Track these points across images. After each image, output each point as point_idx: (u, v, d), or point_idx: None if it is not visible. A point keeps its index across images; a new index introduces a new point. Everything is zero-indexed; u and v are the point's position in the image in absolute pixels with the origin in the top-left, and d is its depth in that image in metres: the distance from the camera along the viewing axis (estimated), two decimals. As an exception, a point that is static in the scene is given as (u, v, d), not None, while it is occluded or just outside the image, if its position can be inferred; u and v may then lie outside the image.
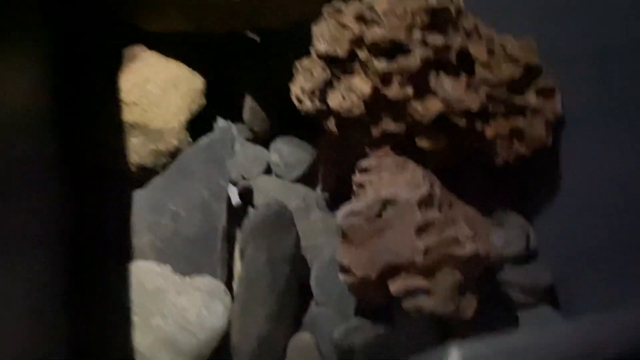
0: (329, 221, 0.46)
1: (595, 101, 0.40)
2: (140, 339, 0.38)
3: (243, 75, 0.57)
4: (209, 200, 0.42)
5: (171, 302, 0.38)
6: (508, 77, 0.41)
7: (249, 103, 0.56)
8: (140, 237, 0.41)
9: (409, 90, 0.40)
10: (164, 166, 0.48)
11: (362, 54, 0.41)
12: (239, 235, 0.44)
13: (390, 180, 0.38)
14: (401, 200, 0.37)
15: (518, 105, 0.42)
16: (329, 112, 0.43)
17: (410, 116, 0.41)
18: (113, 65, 0.51)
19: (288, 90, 0.47)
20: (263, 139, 0.57)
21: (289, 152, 0.55)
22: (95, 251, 0.41)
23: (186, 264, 0.39)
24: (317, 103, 0.43)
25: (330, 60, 0.43)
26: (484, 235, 0.39)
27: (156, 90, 0.50)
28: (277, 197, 0.52)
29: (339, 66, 0.43)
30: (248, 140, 0.57)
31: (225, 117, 0.59)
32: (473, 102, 0.40)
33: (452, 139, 0.42)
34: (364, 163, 0.42)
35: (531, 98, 0.42)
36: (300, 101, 0.44)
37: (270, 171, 0.56)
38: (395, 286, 0.36)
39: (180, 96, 0.51)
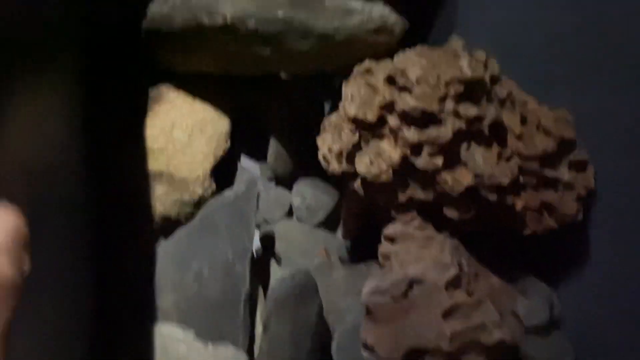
0: (352, 280, 0.46)
1: (626, 173, 0.40)
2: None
3: (269, 114, 0.57)
4: (233, 261, 0.42)
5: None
6: (541, 151, 0.40)
7: (273, 146, 0.56)
8: (165, 297, 0.41)
9: (439, 161, 0.40)
10: (189, 216, 0.48)
11: (393, 120, 0.41)
12: (261, 295, 0.44)
13: (417, 254, 0.38)
14: (428, 281, 0.36)
15: (550, 178, 0.41)
16: (355, 174, 0.43)
17: (439, 186, 0.40)
18: (140, 108, 0.51)
19: (313, 131, 0.47)
20: (287, 180, 0.57)
21: (311, 196, 0.55)
22: (120, 307, 0.41)
23: (209, 328, 0.40)
24: (345, 165, 0.43)
25: (359, 124, 0.42)
26: (509, 316, 0.38)
27: (182, 136, 0.50)
28: (298, 245, 0.52)
29: (368, 129, 0.42)
30: (271, 180, 0.57)
31: (249, 154, 0.59)
32: (504, 176, 0.39)
33: (480, 210, 0.41)
34: (390, 230, 0.41)
35: (564, 172, 0.41)
36: (327, 161, 0.44)
37: (292, 213, 0.56)
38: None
39: (206, 141, 0.51)
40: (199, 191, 0.49)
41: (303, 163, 0.57)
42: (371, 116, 0.41)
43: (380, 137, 0.42)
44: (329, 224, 0.55)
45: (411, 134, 0.40)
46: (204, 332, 0.39)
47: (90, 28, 0.49)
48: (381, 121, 0.42)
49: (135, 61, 0.52)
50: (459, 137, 0.40)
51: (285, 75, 0.56)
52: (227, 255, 0.42)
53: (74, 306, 0.40)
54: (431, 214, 0.42)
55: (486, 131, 0.40)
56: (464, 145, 0.40)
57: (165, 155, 0.49)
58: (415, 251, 0.39)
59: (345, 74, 0.45)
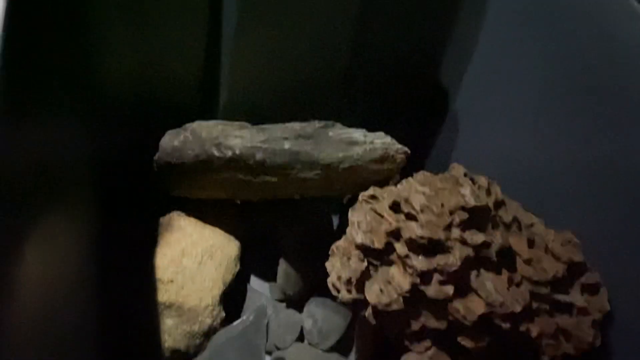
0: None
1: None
2: None
3: (277, 234, 0.58)
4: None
5: None
6: (551, 276, 0.40)
7: (282, 267, 0.56)
8: None
9: (450, 290, 0.39)
10: (198, 347, 0.47)
11: (400, 247, 0.41)
12: None
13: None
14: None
15: (563, 303, 0.40)
16: (366, 302, 0.43)
17: (452, 315, 0.40)
18: (150, 237, 0.52)
19: (324, 248, 0.47)
20: (297, 301, 0.56)
21: (323, 318, 0.54)
22: None
23: None
24: (354, 293, 0.43)
25: (367, 250, 0.42)
26: None
27: (192, 264, 0.50)
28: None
29: (375, 256, 0.42)
30: (281, 301, 0.57)
31: (260, 276, 0.59)
32: (517, 304, 0.39)
33: (495, 338, 0.40)
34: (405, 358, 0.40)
35: (576, 296, 0.40)
36: (337, 289, 0.44)
37: (303, 336, 0.55)
38: None
39: (216, 267, 0.51)
40: (208, 321, 0.48)
41: (313, 282, 0.57)
42: (378, 243, 0.42)
43: (389, 263, 0.42)
44: (341, 347, 0.54)
45: (420, 262, 0.40)
46: None
47: (104, 162, 0.51)
48: (388, 248, 0.42)
49: (146, 190, 0.54)
50: (468, 264, 0.40)
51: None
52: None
53: None
54: (446, 342, 0.41)
55: (494, 257, 0.40)
56: (473, 273, 0.40)
57: (176, 284, 0.49)
58: (432, 385, 0.37)
59: (352, 193, 0.46)
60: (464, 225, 0.40)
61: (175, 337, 0.47)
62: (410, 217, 0.42)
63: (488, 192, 0.42)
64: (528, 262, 0.41)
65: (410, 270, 0.40)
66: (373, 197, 0.45)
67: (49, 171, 0.37)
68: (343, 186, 0.48)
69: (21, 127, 0.32)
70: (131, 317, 0.47)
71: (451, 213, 0.40)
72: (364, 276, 0.43)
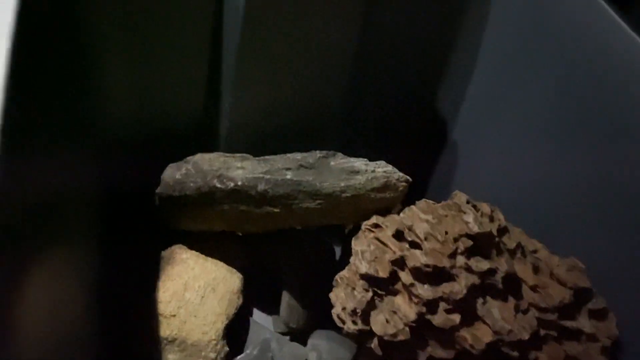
0: None
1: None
2: None
3: (280, 267, 0.57)
4: None
5: None
6: (558, 302, 0.40)
7: (286, 299, 0.55)
8: None
9: (456, 318, 0.39)
10: (201, 383, 0.46)
11: (405, 276, 0.41)
12: None
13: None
14: None
15: (571, 329, 0.40)
16: (372, 333, 0.42)
17: (459, 344, 0.39)
18: (152, 271, 0.51)
19: (328, 279, 0.46)
20: (300, 333, 0.56)
21: (327, 350, 0.53)
22: None
23: None
24: (360, 324, 0.42)
25: (371, 280, 0.42)
26: None
27: (195, 298, 0.50)
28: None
29: (381, 286, 0.42)
30: (284, 334, 0.56)
31: (263, 308, 0.58)
32: (524, 331, 0.39)
33: (503, 367, 0.40)
34: (412, 393, 0.40)
35: (584, 322, 0.40)
36: (342, 320, 0.43)
37: (308, 370, 0.54)
38: None
39: (218, 301, 0.51)
40: (212, 356, 0.47)
41: (317, 315, 0.56)
42: (383, 272, 0.41)
43: (394, 293, 0.42)
44: (346, 379, 0.53)
45: (425, 290, 0.40)
46: None
47: (106, 198, 0.51)
48: (393, 277, 0.42)
49: (148, 225, 0.53)
50: (474, 292, 0.40)
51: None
52: None
53: None
54: (453, 372, 0.41)
55: (500, 284, 0.40)
56: (479, 300, 0.40)
57: (178, 319, 0.48)
58: (441, 417, 0.36)
59: (355, 222, 0.46)
60: (469, 253, 0.40)
61: (177, 372, 0.46)
62: (414, 245, 0.42)
63: (491, 219, 0.42)
64: (534, 288, 0.40)
65: (415, 300, 0.40)
66: (376, 225, 0.45)
67: (51, 209, 0.37)
68: (346, 216, 0.48)
69: (23, 165, 0.32)
70: (134, 353, 0.46)
71: (455, 240, 0.40)
72: (369, 306, 0.42)
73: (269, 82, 0.52)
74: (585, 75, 0.42)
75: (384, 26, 0.53)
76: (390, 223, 0.44)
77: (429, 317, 0.40)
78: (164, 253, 0.54)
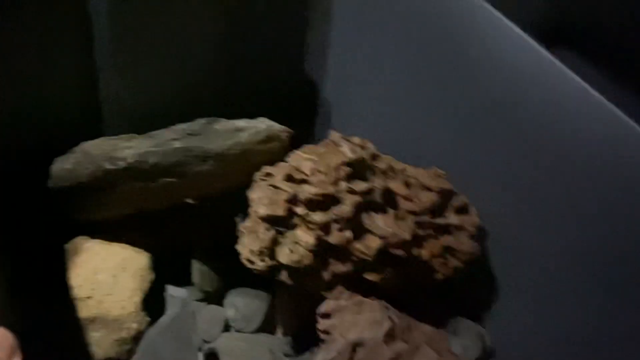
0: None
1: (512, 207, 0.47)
2: None
3: (187, 241, 0.60)
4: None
5: None
6: (428, 204, 0.47)
7: (196, 266, 0.58)
8: None
9: (348, 234, 0.45)
10: (130, 351, 0.48)
11: (300, 210, 0.46)
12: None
13: (352, 321, 0.42)
14: (368, 340, 0.40)
15: (443, 225, 0.47)
16: (280, 266, 0.47)
17: (355, 256, 0.45)
18: (59, 263, 0.52)
19: (232, 244, 0.50)
20: (216, 297, 0.59)
21: (244, 305, 0.57)
22: None
23: None
24: (268, 261, 0.47)
25: (271, 220, 0.47)
26: (447, 355, 0.42)
27: (107, 278, 0.51)
28: (243, 355, 0.54)
29: (281, 224, 0.47)
30: (202, 301, 0.59)
31: (176, 284, 0.61)
32: (405, 232, 0.45)
33: (396, 268, 0.46)
34: (323, 308, 0.45)
35: (452, 217, 0.48)
36: (251, 262, 0.47)
37: (229, 327, 0.57)
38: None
39: (131, 277, 0.53)
40: (134, 326, 0.49)
41: (228, 278, 0.59)
42: (281, 211, 0.46)
43: (293, 227, 0.47)
44: (267, 326, 0.57)
45: (318, 216, 0.45)
46: None
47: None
48: (290, 214, 0.47)
49: (48, 221, 0.54)
50: (359, 209, 0.46)
51: (192, 201, 0.60)
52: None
53: None
54: (356, 285, 0.47)
55: (379, 199, 0.47)
56: (364, 216, 0.46)
57: (94, 300, 0.50)
58: (351, 318, 0.42)
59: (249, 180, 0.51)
60: (349, 178, 0.46)
61: (105, 347, 0.48)
62: (303, 182, 0.47)
63: (363, 148, 0.49)
64: (407, 198, 0.47)
65: (312, 226, 0.45)
66: (268, 174, 0.49)
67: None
68: (238, 175, 0.52)
69: None
70: (61, 337, 0.47)
71: (336, 169, 0.46)
72: (273, 243, 0.47)
73: (143, 67, 0.55)
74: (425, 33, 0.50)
75: (250, 13, 0.57)
76: (279, 169, 0.49)
77: (325, 238, 0.45)
78: (67, 246, 0.54)
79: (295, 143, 0.54)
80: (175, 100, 0.56)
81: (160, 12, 0.51)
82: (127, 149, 0.51)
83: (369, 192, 0.46)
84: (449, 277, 0.47)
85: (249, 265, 0.48)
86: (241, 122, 0.51)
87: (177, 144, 0.50)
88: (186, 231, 0.60)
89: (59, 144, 0.53)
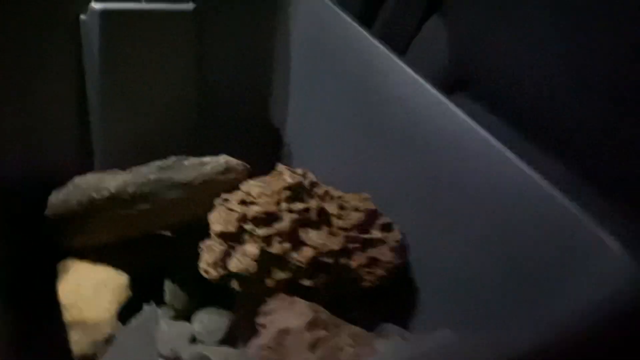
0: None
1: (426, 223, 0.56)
2: None
3: (161, 265, 0.69)
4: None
5: None
6: (356, 222, 0.56)
7: (168, 287, 0.67)
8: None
9: (287, 245, 0.54)
10: (103, 350, 0.56)
11: (248, 226, 0.55)
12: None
13: (284, 316, 0.50)
14: (293, 327, 0.48)
15: (369, 240, 0.56)
16: (230, 275, 0.55)
17: (292, 264, 0.54)
18: (51, 280, 0.61)
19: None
20: (186, 315, 0.67)
21: (209, 320, 0.65)
22: None
23: None
24: (221, 270, 0.55)
25: (225, 236, 0.56)
26: (367, 344, 0.50)
27: (89, 292, 0.60)
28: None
29: (232, 239, 0.56)
30: (173, 318, 0.67)
31: (151, 303, 0.69)
32: (335, 244, 0.54)
33: (328, 275, 0.54)
34: (265, 308, 0.53)
35: (376, 233, 0.56)
36: (207, 272, 0.56)
37: (195, 340, 0.65)
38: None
39: (110, 292, 0.61)
40: (108, 330, 0.58)
41: (198, 299, 0.68)
42: (232, 228, 0.55)
43: (242, 242, 0.56)
44: (230, 340, 0.65)
45: (262, 231, 0.54)
46: None
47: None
48: (240, 231, 0.56)
49: (44, 246, 0.64)
50: (296, 225, 0.55)
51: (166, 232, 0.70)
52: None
53: None
54: (294, 291, 0.55)
55: (315, 218, 0.56)
56: (302, 231, 0.55)
57: (76, 308, 0.58)
58: (283, 313, 0.50)
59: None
60: (290, 200, 0.56)
61: (82, 346, 0.56)
62: (252, 203, 0.56)
63: (304, 177, 0.59)
64: (339, 217, 0.56)
65: (257, 239, 0.54)
66: (225, 199, 0.59)
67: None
68: (203, 201, 0.62)
69: None
70: (43, 338, 0.55)
71: (278, 193, 0.56)
72: (226, 255, 0.56)
73: (127, 114, 0.66)
74: (356, 86, 0.61)
75: (218, 60, 0.70)
76: (234, 195, 0.58)
77: (268, 249, 0.54)
78: (59, 265, 0.64)
79: (257, 174, 0.64)
80: (154, 141, 0.67)
81: (142, 70, 0.63)
82: (110, 181, 0.61)
83: (305, 211, 0.55)
84: (375, 284, 0.55)
85: (205, 275, 0.56)
86: (206, 159, 0.62)
87: (152, 176, 0.60)
88: (161, 256, 0.69)
89: (56, 178, 0.64)
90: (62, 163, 0.66)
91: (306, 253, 0.54)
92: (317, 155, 0.68)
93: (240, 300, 0.61)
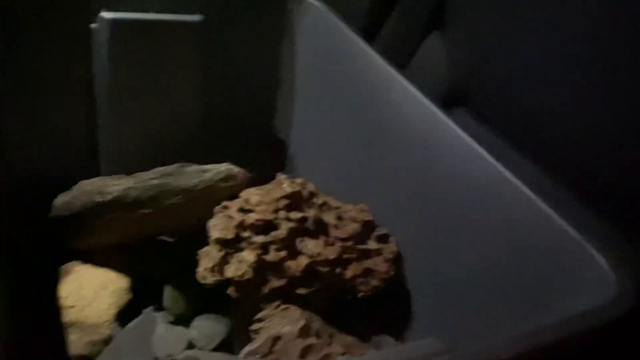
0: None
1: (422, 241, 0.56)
2: None
3: (162, 270, 0.70)
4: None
5: None
6: (353, 232, 0.56)
7: (167, 290, 0.68)
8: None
9: (283, 253, 0.55)
10: (99, 352, 0.57)
11: (245, 234, 0.56)
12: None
13: (278, 322, 0.50)
14: (286, 334, 0.48)
15: (365, 250, 0.57)
16: (227, 281, 0.56)
17: (288, 272, 0.54)
18: (54, 281, 0.63)
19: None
20: (184, 320, 0.68)
21: (207, 327, 0.66)
22: None
23: None
24: (217, 276, 0.56)
25: (223, 243, 0.57)
26: (359, 354, 0.50)
27: (89, 294, 0.61)
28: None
29: (230, 246, 0.57)
30: (171, 323, 0.68)
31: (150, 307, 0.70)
32: (330, 253, 0.55)
33: (323, 284, 0.55)
34: (259, 315, 0.54)
35: (372, 244, 0.57)
36: (204, 277, 0.57)
37: (193, 346, 0.65)
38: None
39: (110, 295, 0.62)
40: (107, 332, 0.58)
41: (197, 305, 0.68)
42: (230, 235, 0.56)
43: (240, 250, 0.57)
44: (226, 346, 0.65)
45: (259, 238, 0.55)
46: None
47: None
48: (238, 238, 0.57)
49: (49, 248, 0.65)
50: (293, 234, 0.56)
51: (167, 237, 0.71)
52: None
53: None
54: (290, 298, 0.55)
55: (312, 227, 0.56)
56: (298, 240, 0.56)
57: (76, 309, 0.59)
58: (277, 320, 0.51)
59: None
60: (288, 208, 0.57)
61: (79, 346, 0.57)
62: (250, 211, 0.57)
63: (303, 187, 0.59)
64: (336, 227, 0.57)
65: (253, 246, 0.55)
66: (225, 207, 0.60)
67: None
68: (203, 208, 0.63)
69: None
70: (44, 338, 0.56)
71: (277, 201, 0.57)
72: (223, 261, 0.56)
73: (135, 121, 0.68)
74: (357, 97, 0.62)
75: (224, 70, 0.71)
76: (234, 202, 0.59)
77: (264, 257, 0.55)
78: (62, 267, 0.65)
79: (259, 182, 0.65)
80: (160, 147, 0.68)
81: (150, 78, 0.65)
82: (115, 185, 0.62)
83: (302, 220, 0.56)
84: (369, 294, 0.56)
85: (202, 281, 0.57)
86: (207, 166, 0.63)
87: (155, 182, 0.62)
88: (162, 261, 0.70)
89: (63, 181, 0.66)
90: (70, 167, 0.68)
91: (302, 261, 0.54)
92: (319, 166, 0.69)
93: (236, 307, 0.61)
